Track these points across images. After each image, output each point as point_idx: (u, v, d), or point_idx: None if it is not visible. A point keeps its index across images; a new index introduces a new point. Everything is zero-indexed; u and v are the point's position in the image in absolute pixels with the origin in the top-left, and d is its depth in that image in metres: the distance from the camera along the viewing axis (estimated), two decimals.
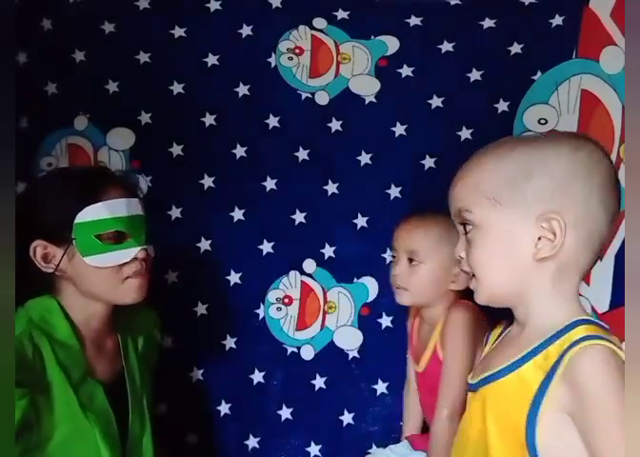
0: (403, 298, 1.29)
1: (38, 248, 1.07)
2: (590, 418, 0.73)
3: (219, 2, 1.47)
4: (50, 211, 1.07)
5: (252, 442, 1.49)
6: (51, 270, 1.07)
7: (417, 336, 1.35)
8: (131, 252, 1.09)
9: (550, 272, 0.80)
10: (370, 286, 1.49)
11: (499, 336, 0.91)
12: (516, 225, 0.80)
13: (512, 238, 0.80)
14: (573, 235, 0.78)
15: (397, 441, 1.42)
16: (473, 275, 0.84)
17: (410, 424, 1.42)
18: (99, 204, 1.06)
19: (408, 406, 1.43)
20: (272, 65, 1.48)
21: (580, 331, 0.77)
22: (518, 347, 0.81)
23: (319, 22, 1.48)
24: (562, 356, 0.75)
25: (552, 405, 0.75)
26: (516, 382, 0.79)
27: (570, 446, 0.75)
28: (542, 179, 0.79)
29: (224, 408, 1.49)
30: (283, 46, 1.48)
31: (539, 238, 0.79)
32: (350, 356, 1.50)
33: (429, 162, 1.48)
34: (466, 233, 0.84)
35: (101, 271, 1.07)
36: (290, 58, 1.48)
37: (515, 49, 1.45)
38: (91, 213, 1.06)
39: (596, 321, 0.82)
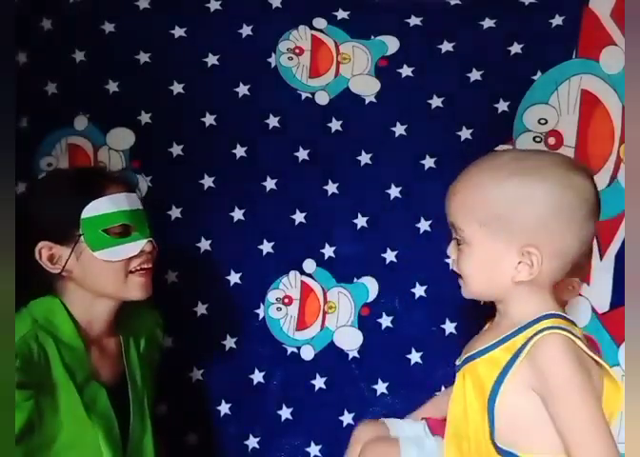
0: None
1: (44, 250, 1.07)
2: (550, 395, 0.85)
3: (219, 2, 1.47)
4: (54, 211, 1.08)
5: (252, 442, 1.49)
6: (58, 271, 1.08)
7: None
8: (139, 245, 1.10)
9: (526, 287, 0.91)
10: (370, 286, 1.49)
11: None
12: (500, 250, 0.90)
13: (496, 260, 0.90)
14: (550, 264, 0.89)
15: None
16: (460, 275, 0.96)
17: (429, 410, 1.31)
18: (104, 198, 1.08)
19: (439, 400, 1.24)
20: (272, 65, 1.48)
21: (546, 323, 0.88)
22: (495, 335, 0.93)
23: (319, 22, 1.48)
24: (527, 342, 0.87)
25: (516, 381, 0.87)
26: (487, 362, 0.91)
27: (531, 418, 0.87)
28: (528, 215, 0.87)
29: (224, 408, 1.49)
30: (283, 46, 1.48)
31: (519, 262, 0.89)
32: (350, 356, 1.50)
33: (429, 162, 1.48)
34: (458, 244, 0.94)
35: (110, 266, 1.08)
36: (290, 58, 1.48)
37: (515, 49, 1.45)
38: (97, 208, 1.07)
39: (564, 315, 0.92)
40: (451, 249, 0.96)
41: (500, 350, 0.90)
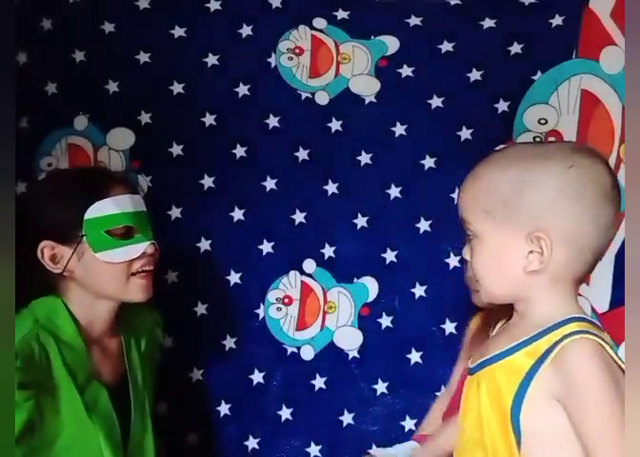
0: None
1: (46, 249, 1.07)
2: (577, 404, 0.79)
3: (219, 2, 1.47)
4: (58, 211, 1.07)
5: (252, 442, 1.49)
6: (60, 271, 1.08)
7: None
8: (141, 247, 1.10)
9: (544, 281, 0.85)
10: (370, 286, 1.49)
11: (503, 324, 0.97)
12: (509, 239, 0.85)
13: (505, 251, 0.86)
14: (563, 250, 0.83)
15: (397, 441, 1.42)
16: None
17: (429, 427, 1.35)
18: (107, 199, 1.08)
19: (436, 413, 1.35)
20: (272, 65, 1.48)
21: (573, 326, 0.82)
22: (513, 337, 0.86)
23: (319, 22, 1.48)
24: (553, 347, 0.80)
25: (540, 390, 0.80)
26: (507, 368, 0.85)
27: (555, 429, 0.81)
28: (532, 199, 0.83)
29: (224, 409, 1.49)
30: (283, 46, 1.48)
31: (531, 252, 0.84)
32: (350, 356, 1.49)
33: (429, 162, 1.48)
34: (470, 240, 0.90)
35: (111, 268, 1.08)
36: (290, 58, 1.48)
37: (515, 49, 1.45)
38: (101, 209, 1.07)
39: (591, 319, 0.86)
40: (466, 251, 0.91)
41: (521, 355, 0.84)
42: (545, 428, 0.82)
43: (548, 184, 0.83)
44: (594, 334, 0.81)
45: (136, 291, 1.11)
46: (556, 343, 0.81)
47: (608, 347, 0.81)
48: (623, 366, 0.81)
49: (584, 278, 0.89)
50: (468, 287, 1.24)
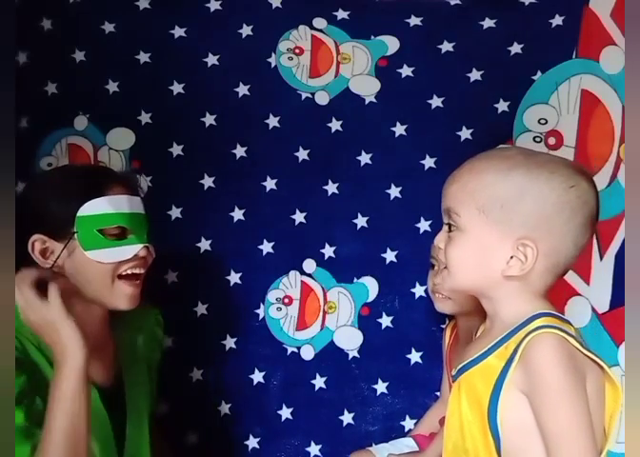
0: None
1: (37, 243, 1.05)
2: (539, 396, 0.81)
3: (219, 2, 1.47)
4: (52, 205, 1.06)
5: (252, 442, 1.49)
6: (49, 266, 1.05)
7: (460, 345, 1.30)
8: (133, 249, 1.08)
9: (514, 286, 0.88)
10: (370, 286, 1.49)
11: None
12: (496, 240, 0.87)
13: (489, 250, 0.87)
14: (542, 263, 0.86)
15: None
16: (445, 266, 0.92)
17: (422, 429, 1.41)
18: (102, 198, 1.06)
19: (431, 415, 1.42)
20: (272, 65, 1.48)
21: (537, 322, 0.85)
22: (487, 340, 0.89)
23: (319, 22, 1.48)
24: (520, 344, 0.83)
25: (511, 387, 0.83)
26: (482, 371, 0.87)
27: (530, 426, 0.82)
28: (531, 208, 0.85)
29: (224, 408, 1.49)
30: (283, 46, 1.48)
31: (512, 257, 0.86)
32: (350, 356, 1.50)
33: (429, 162, 1.48)
34: (449, 230, 0.91)
35: (99, 268, 1.06)
36: (290, 58, 1.48)
37: (515, 49, 1.45)
38: (95, 207, 1.05)
39: (556, 313, 0.88)
40: (441, 238, 0.92)
41: (494, 357, 0.86)
42: (520, 426, 0.83)
43: (548, 198, 0.85)
44: (556, 327, 0.83)
45: (121, 298, 1.08)
46: (522, 340, 0.83)
47: (571, 339, 0.83)
48: (594, 356, 0.84)
49: (550, 287, 0.91)
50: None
